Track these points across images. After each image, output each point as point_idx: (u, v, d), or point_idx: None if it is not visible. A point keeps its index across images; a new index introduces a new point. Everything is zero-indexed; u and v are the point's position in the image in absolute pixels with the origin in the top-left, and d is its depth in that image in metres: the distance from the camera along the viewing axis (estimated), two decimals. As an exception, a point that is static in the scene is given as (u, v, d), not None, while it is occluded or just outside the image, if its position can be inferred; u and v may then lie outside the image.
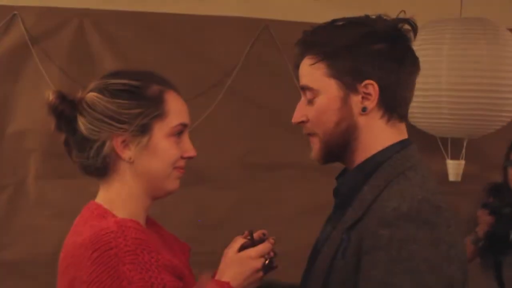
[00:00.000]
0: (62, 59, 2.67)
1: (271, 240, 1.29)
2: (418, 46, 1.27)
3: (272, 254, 1.29)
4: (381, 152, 1.22)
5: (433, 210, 1.10)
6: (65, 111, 1.23)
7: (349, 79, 1.20)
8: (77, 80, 2.54)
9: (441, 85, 2.17)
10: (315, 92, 1.22)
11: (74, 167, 1.26)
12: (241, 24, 2.76)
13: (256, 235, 1.31)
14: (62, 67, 2.66)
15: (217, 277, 1.25)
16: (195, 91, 2.63)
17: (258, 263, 1.23)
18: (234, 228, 2.82)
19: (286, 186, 2.80)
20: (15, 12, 2.64)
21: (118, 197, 1.24)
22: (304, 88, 1.25)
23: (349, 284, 1.12)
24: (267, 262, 1.26)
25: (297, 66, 1.27)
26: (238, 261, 1.23)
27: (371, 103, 1.20)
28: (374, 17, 1.23)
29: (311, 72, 1.23)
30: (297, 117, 1.26)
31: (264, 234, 1.33)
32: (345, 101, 1.20)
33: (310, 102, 1.24)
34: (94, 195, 1.31)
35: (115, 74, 1.27)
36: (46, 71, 2.64)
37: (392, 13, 1.26)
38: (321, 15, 1.32)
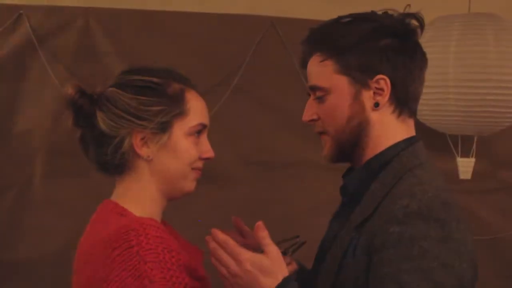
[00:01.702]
0: (68, 58, 2.67)
1: None
2: (425, 42, 1.26)
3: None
4: (388, 150, 1.21)
5: (443, 207, 1.10)
6: (84, 105, 1.21)
7: (360, 75, 1.19)
8: (83, 79, 2.54)
9: (448, 82, 2.16)
10: (325, 91, 1.21)
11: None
12: (246, 22, 2.75)
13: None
14: (68, 66, 2.65)
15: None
16: (201, 90, 2.61)
17: None
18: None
19: (293, 185, 2.79)
20: (21, 11, 2.64)
21: (135, 196, 1.22)
22: (314, 88, 1.24)
23: (359, 283, 1.12)
24: None
25: (304, 65, 1.27)
26: None
27: (383, 98, 1.20)
28: (380, 13, 1.23)
29: (320, 70, 1.22)
30: (307, 115, 1.26)
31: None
32: (356, 97, 1.20)
33: (320, 100, 1.23)
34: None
35: (136, 70, 1.25)
36: (52, 70, 2.64)
37: (399, 9, 1.25)
38: (328, 12, 1.32)
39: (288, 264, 1.21)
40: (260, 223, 1.14)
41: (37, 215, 2.69)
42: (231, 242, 1.11)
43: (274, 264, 1.10)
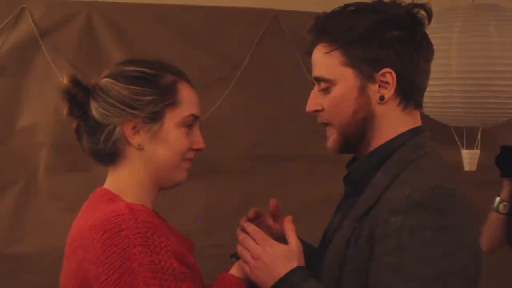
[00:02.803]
0: (71, 51, 2.68)
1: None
2: (428, 34, 1.25)
3: None
4: (393, 140, 1.21)
5: (446, 197, 1.09)
6: (78, 95, 1.23)
7: (366, 68, 1.18)
8: (86, 72, 2.54)
9: (452, 73, 2.15)
10: (331, 82, 1.20)
11: (84, 160, 1.26)
12: (249, 15, 2.75)
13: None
14: (71, 59, 2.66)
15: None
16: (204, 84, 2.63)
17: None
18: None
19: (295, 179, 2.79)
20: (24, 5, 2.65)
21: (127, 184, 1.24)
22: (319, 80, 1.23)
23: (364, 273, 1.11)
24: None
25: (309, 53, 1.26)
26: None
27: (388, 92, 1.18)
28: (387, 2, 1.21)
29: (326, 61, 1.21)
30: (311, 105, 1.24)
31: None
32: (362, 90, 1.19)
33: (325, 91, 1.21)
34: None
35: (130, 62, 1.27)
36: (55, 64, 2.64)
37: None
38: (331, 5, 1.30)
39: None
40: (289, 217, 1.26)
41: (42, 209, 2.70)
42: (259, 231, 1.22)
43: (293, 254, 1.19)
